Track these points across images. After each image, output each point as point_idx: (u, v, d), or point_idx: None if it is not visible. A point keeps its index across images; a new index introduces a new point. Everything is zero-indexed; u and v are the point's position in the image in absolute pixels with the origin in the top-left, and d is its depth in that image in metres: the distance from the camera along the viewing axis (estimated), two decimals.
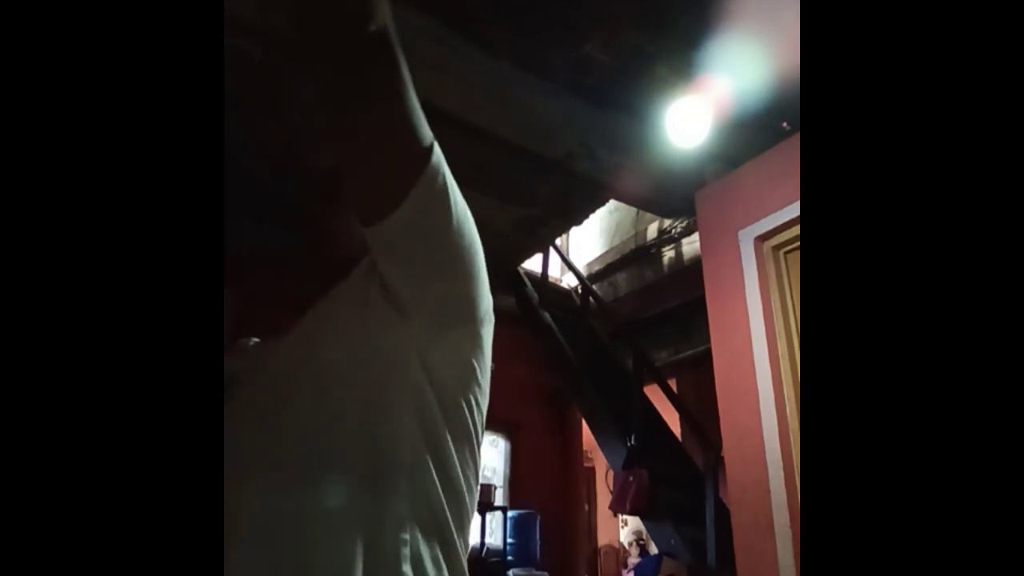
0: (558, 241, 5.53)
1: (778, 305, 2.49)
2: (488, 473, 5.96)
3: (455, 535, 0.62)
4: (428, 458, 0.62)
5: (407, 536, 0.59)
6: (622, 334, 5.04)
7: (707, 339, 2.77)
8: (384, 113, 0.56)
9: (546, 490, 6.00)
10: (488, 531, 5.26)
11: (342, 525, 0.57)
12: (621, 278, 5.60)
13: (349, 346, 0.64)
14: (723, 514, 2.99)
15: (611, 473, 4.18)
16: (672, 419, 4.63)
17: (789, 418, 2.31)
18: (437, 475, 0.62)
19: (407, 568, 0.57)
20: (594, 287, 5.39)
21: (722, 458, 2.69)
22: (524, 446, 6.11)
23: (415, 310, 0.64)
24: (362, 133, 0.57)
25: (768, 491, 2.29)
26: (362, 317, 0.65)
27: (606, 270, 5.73)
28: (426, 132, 0.60)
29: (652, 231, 5.26)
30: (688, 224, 4.60)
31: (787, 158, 2.52)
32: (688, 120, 2.57)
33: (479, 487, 0.68)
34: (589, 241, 6.34)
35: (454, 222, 0.62)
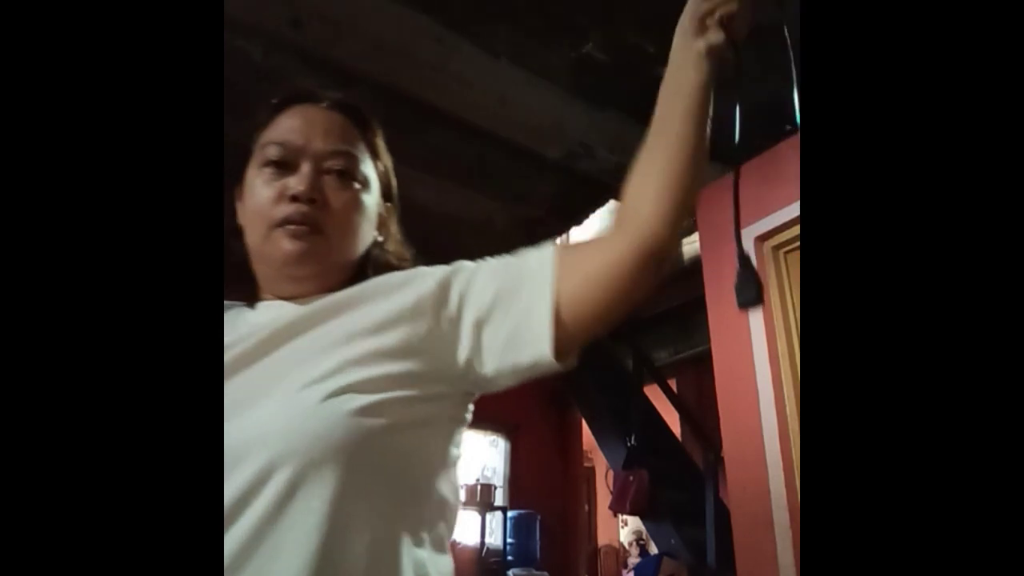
0: (558, 241, 5.52)
1: (778, 305, 2.49)
2: (488, 473, 5.96)
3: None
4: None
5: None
6: (622, 334, 5.04)
7: (707, 339, 2.77)
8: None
9: (546, 490, 6.00)
10: (488, 531, 5.26)
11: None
12: None
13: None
14: (723, 514, 2.99)
15: (611, 473, 4.18)
16: (672, 419, 4.63)
17: (789, 418, 2.31)
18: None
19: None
20: None
21: (722, 458, 2.69)
22: (524, 446, 6.12)
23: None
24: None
25: (768, 491, 2.29)
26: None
27: None
28: None
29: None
30: (688, 224, 4.60)
31: (787, 158, 2.52)
32: None
33: None
34: None
35: None
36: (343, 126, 0.76)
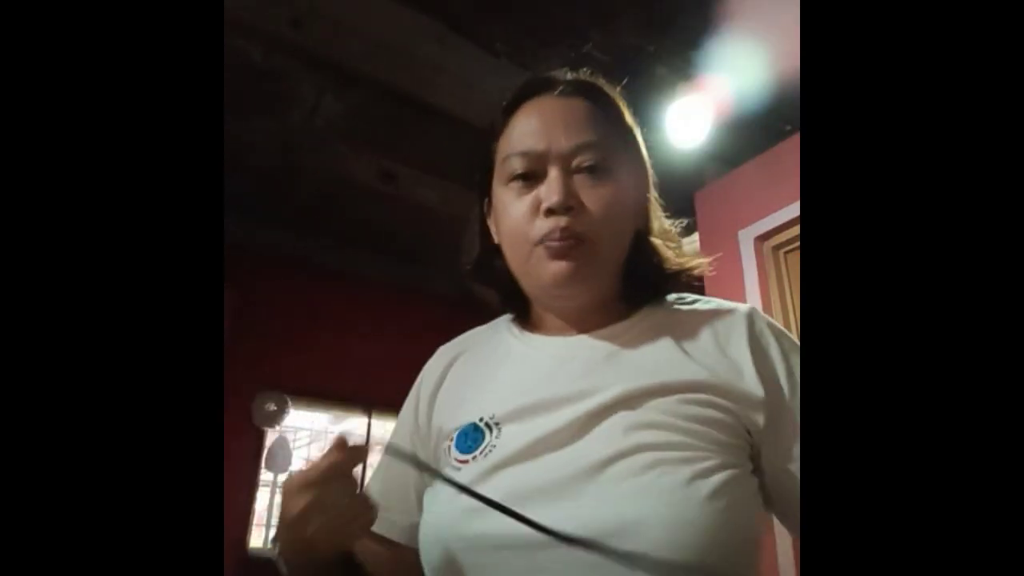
0: None
1: (778, 305, 2.48)
2: None
3: None
4: None
5: None
6: None
7: None
8: None
9: None
10: None
11: None
12: None
13: None
14: None
15: None
16: None
17: None
18: None
19: None
20: None
21: None
22: None
23: None
24: None
25: None
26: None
27: None
28: None
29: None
30: (688, 224, 4.60)
31: (787, 158, 2.52)
32: (688, 120, 2.57)
33: None
34: None
35: None
36: (583, 112, 0.67)
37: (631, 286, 0.70)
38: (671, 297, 0.72)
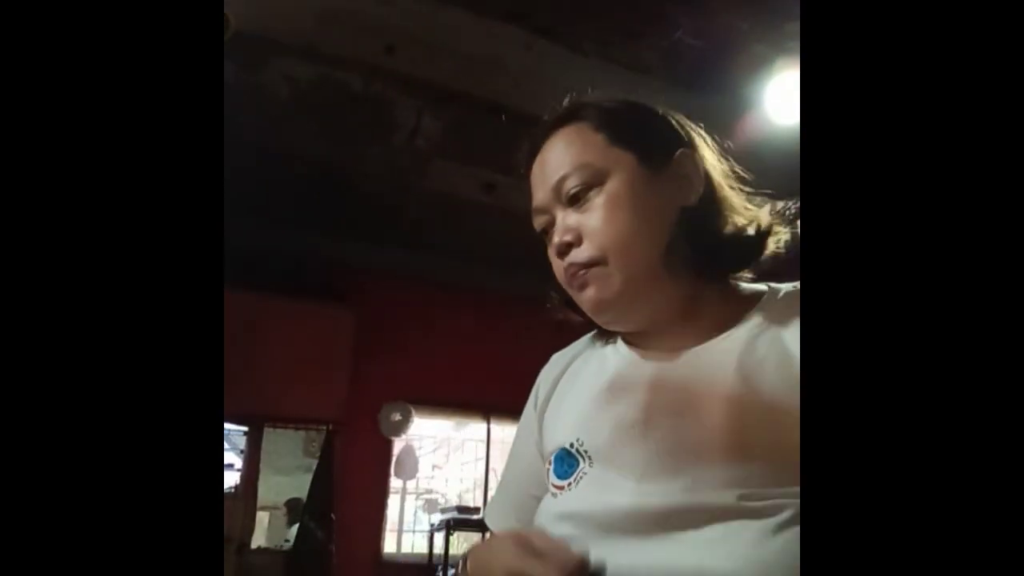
0: None
1: None
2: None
3: None
4: None
5: None
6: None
7: None
8: None
9: None
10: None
11: None
12: None
13: None
14: None
15: None
16: None
17: None
18: None
19: None
20: None
21: None
22: None
23: None
24: None
25: None
26: None
27: None
28: None
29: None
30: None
31: None
32: (789, 96, 2.47)
33: None
34: None
35: None
36: (564, 142, 0.66)
37: (696, 277, 0.65)
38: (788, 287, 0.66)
